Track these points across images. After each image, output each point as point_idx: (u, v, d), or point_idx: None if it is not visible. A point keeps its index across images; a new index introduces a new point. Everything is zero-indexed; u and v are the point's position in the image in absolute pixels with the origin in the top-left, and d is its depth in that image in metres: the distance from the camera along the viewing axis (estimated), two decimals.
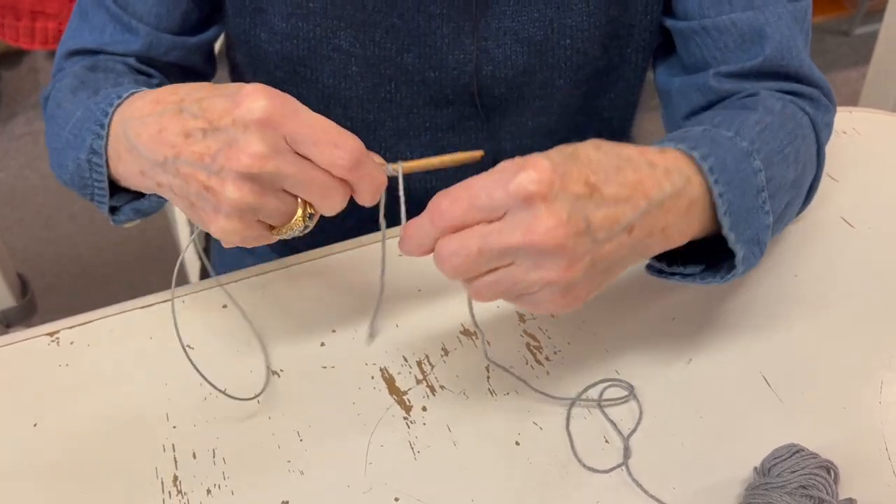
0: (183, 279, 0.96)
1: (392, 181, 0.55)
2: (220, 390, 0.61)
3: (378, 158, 0.55)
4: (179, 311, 0.70)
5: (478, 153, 0.56)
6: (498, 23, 0.73)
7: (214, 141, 0.50)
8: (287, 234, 0.54)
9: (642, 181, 0.52)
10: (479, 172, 0.50)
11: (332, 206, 0.53)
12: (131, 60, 0.74)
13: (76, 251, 1.93)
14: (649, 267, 0.60)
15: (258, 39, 0.76)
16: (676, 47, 0.76)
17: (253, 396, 0.63)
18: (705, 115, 0.67)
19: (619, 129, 0.87)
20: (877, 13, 2.34)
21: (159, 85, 0.75)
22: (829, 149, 0.81)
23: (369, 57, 0.75)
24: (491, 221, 0.49)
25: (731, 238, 0.56)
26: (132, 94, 0.59)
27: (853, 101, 2.16)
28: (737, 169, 0.57)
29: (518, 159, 0.50)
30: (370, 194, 0.53)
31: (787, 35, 0.69)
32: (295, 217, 0.53)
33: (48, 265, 1.90)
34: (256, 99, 0.49)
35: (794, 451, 0.56)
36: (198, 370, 0.59)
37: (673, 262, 0.60)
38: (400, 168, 0.55)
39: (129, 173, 0.58)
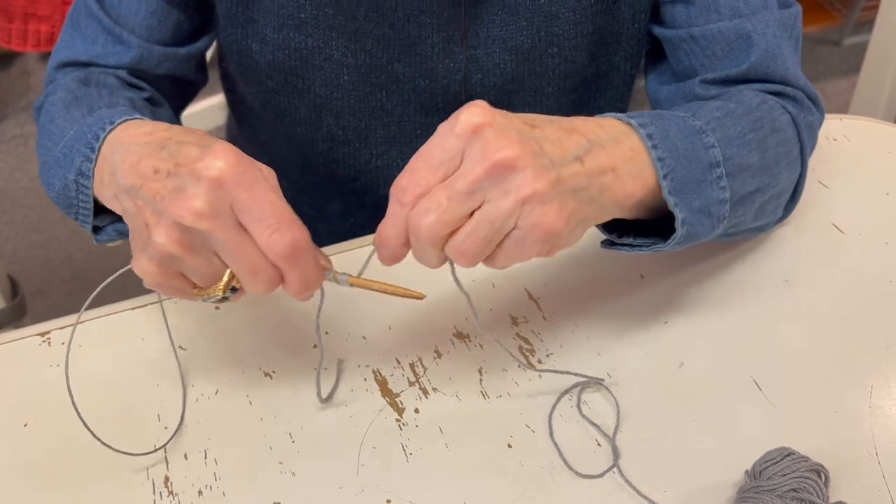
0: None
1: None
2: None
3: (325, 262, 0.54)
4: (171, 311, 0.70)
5: (420, 293, 0.56)
6: (487, 31, 0.74)
7: (171, 183, 0.51)
8: (206, 299, 0.53)
9: (576, 126, 0.54)
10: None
11: (256, 286, 0.52)
12: (123, 73, 0.74)
13: (66, 254, 1.93)
14: (603, 242, 0.62)
15: (250, 50, 0.76)
16: (666, 55, 0.76)
17: (152, 450, 0.61)
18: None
19: None
20: (866, 23, 2.37)
21: (150, 98, 0.75)
22: (821, 155, 0.82)
23: (360, 66, 0.75)
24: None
25: (671, 201, 0.56)
26: (126, 120, 0.60)
27: (843, 109, 2.17)
28: (681, 139, 0.58)
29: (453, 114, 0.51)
30: (298, 288, 0.52)
31: (773, 43, 0.70)
32: (218, 284, 0.53)
33: (38, 268, 1.89)
34: (219, 158, 0.49)
35: (785, 454, 0.56)
36: (86, 425, 0.58)
37: (625, 234, 0.61)
38: (345, 279, 0.54)
39: (108, 196, 0.59)
